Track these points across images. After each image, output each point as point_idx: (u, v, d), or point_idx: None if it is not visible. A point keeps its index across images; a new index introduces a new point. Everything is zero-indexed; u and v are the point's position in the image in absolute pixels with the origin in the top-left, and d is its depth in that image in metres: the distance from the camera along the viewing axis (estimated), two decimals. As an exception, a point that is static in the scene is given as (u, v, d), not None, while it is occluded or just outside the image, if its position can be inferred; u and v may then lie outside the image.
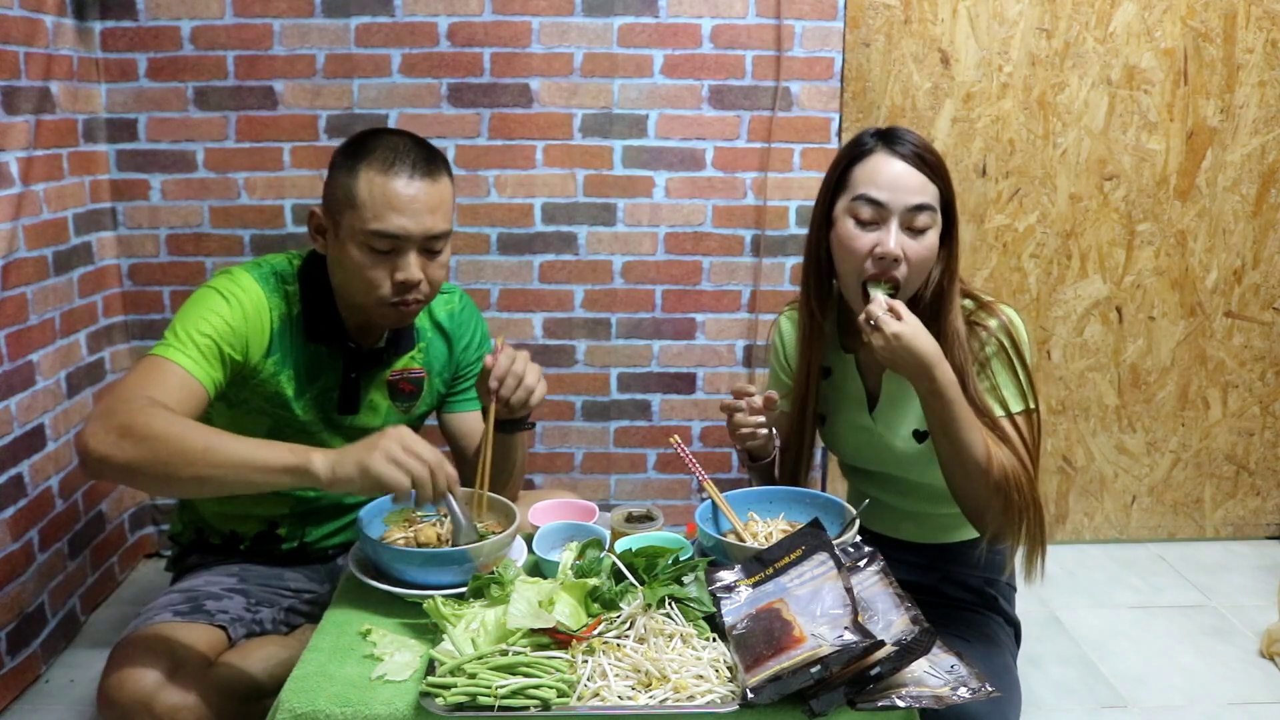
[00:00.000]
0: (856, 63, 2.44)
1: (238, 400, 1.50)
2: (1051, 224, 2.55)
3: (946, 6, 2.41)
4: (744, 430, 1.47)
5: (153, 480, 1.24)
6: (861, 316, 1.35)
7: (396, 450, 1.19)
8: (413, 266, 1.42)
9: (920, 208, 1.38)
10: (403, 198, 1.39)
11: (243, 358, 1.44)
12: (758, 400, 1.47)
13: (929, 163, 1.39)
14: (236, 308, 1.43)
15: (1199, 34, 2.45)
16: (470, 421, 1.70)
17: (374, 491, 1.20)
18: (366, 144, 1.42)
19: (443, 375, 1.68)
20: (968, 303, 1.47)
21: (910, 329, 1.31)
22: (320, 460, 1.19)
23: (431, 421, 1.79)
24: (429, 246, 1.43)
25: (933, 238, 1.40)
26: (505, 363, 1.40)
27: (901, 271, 1.39)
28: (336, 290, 1.50)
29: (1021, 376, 1.43)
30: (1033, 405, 1.45)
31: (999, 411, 1.42)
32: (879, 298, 1.35)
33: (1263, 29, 2.46)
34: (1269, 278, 2.62)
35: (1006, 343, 1.43)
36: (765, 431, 1.49)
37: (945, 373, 1.33)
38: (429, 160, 1.43)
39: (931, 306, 1.44)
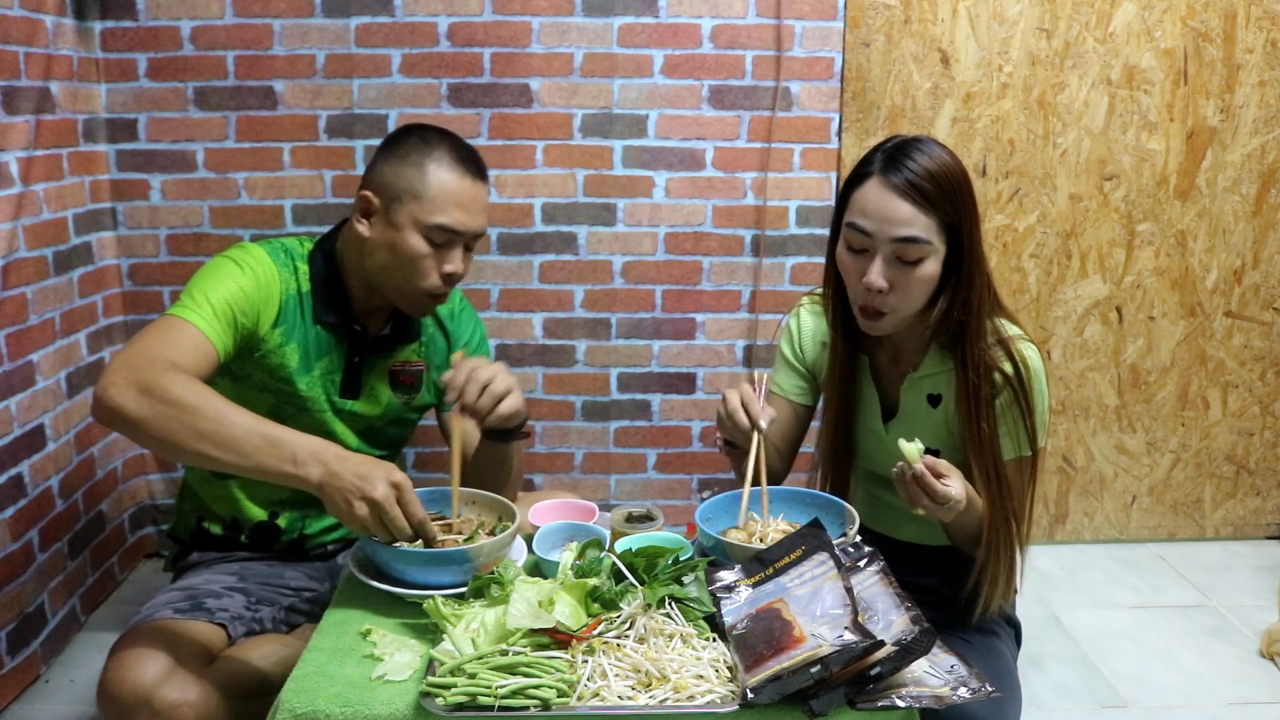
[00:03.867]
0: (856, 63, 2.44)
1: (242, 375, 1.53)
2: (1051, 224, 2.55)
3: (946, 6, 2.41)
4: (728, 425, 1.44)
5: (157, 443, 1.26)
6: (909, 499, 1.31)
7: (370, 522, 1.20)
8: (459, 260, 1.52)
9: (907, 240, 1.35)
10: (467, 196, 1.50)
11: (253, 325, 1.48)
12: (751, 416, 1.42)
13: (926, 192, 1.34)
14: (250, 275, 1.48)
15: (1199, 34, 2.45)
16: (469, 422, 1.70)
17: None
18: (428, 139, 1.52)
19: (441, 370, 1.69)
20: (998, 321, 1.46)
21: (953, 511, 1.30)
22: (315, 482, 1.20)
23: (430, 421, 1.79)
24: (470, 244, 1.54)
25: (928, 268, 1.37)
26: (463, 372, 1.39)
27: (889, 302, 1.39)
28: (369, 272, 1.54)
29: (1025, 424, 1.44)
30: (1033, 450, 1.46)
31: (1005, 455, 1.45)
32: (913, 469, 1.28)
33: (1263, 29, 2.46)
34: (1269, 278, 2.62)
35: (1017, 388, 1.43)
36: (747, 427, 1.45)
37: (968, 497, 1.35)
38: (480, 164, 1.55)
39: (951, 337, 1.44)
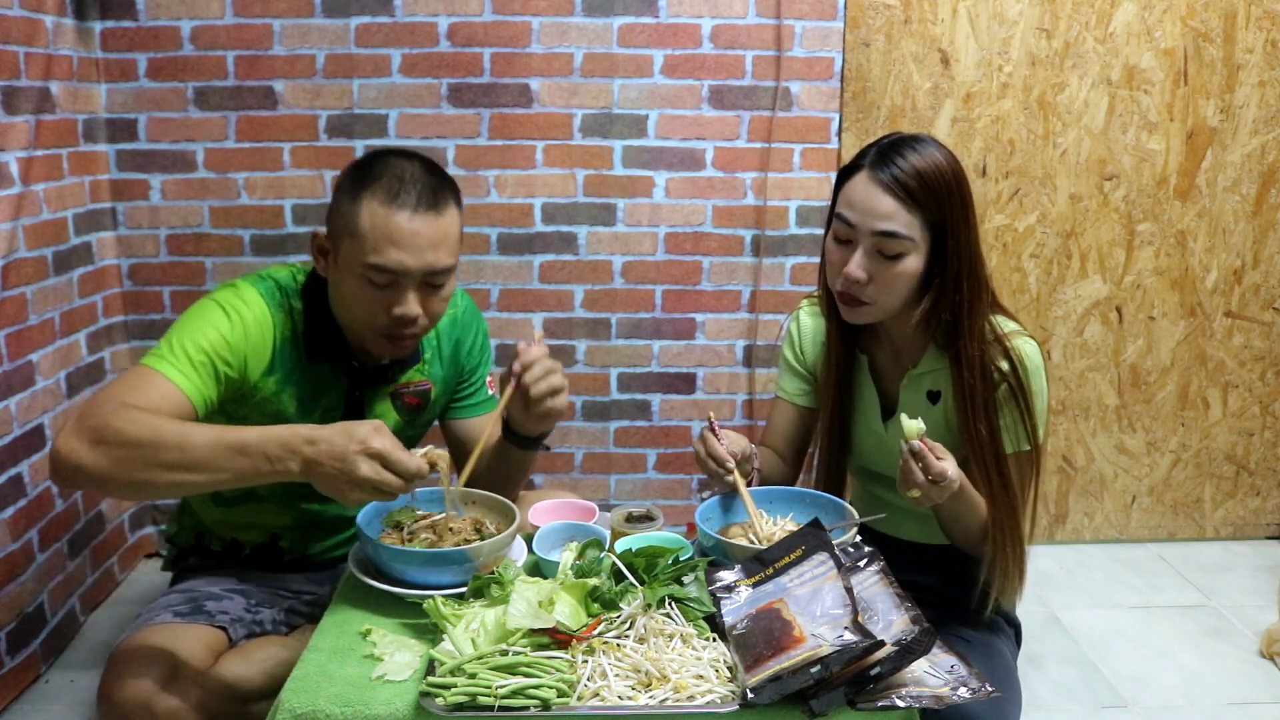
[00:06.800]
0: (856, 63, 2.44)
1: (238, 416, 1.46)
2: (1051, 224, 2.55)
3: (946, 6, 2.41)
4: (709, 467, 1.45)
5: (128, 488, 1.20)
6: (904, 477, 1.31)
7: (366, 493, 1.17)
8: (411, 302, 1.37)
9: (888, 234, 1.37)
10: (404, 232, 1.33)
11: (240, 375, 1.40)
12: (719, 451, 1.42)
13: (910, 190, 1.36)
14: (237, 324, 1.39)
15: (1199, 34, 2.45)
16: (471, 428, 1.67)
17: None
18: (373, 169, 1.37)
19: (448, 382, 1.65)
20: (994, 319, 1.47)
21: (947, 491, 1.31)
22: (298, 474, 1.17)
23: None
24: (430, 281, 1.38)
25: (908, 264, 1.39)
26: (538, 352, 1.36)
27: (868, 293, 1.41)
28: (335, 314, 1.46)
29: (1024, 419, 1.45)
30: (1032, 445, 1.46)
31: (1006, 449, 1.45)
32: (911, 444, 1.30)
33: (1263, 29, 2.46)
34: (1269, 278, 2.62)
35: (1014, 384, 1.44)
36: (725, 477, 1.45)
37: (962, 487, 1.37)
38: (436, 191, 1.37)
39: (945, 336, 1.44)
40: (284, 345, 1.45)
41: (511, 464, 1.51)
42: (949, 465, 1.30)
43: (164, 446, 1.16)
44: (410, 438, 1.64)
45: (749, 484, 1.46)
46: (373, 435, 1.15)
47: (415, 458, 1.18)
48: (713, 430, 1.44)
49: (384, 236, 1.33)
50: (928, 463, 1.29)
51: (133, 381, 1.29)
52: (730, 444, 1.43)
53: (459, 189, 1.44)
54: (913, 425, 1.30)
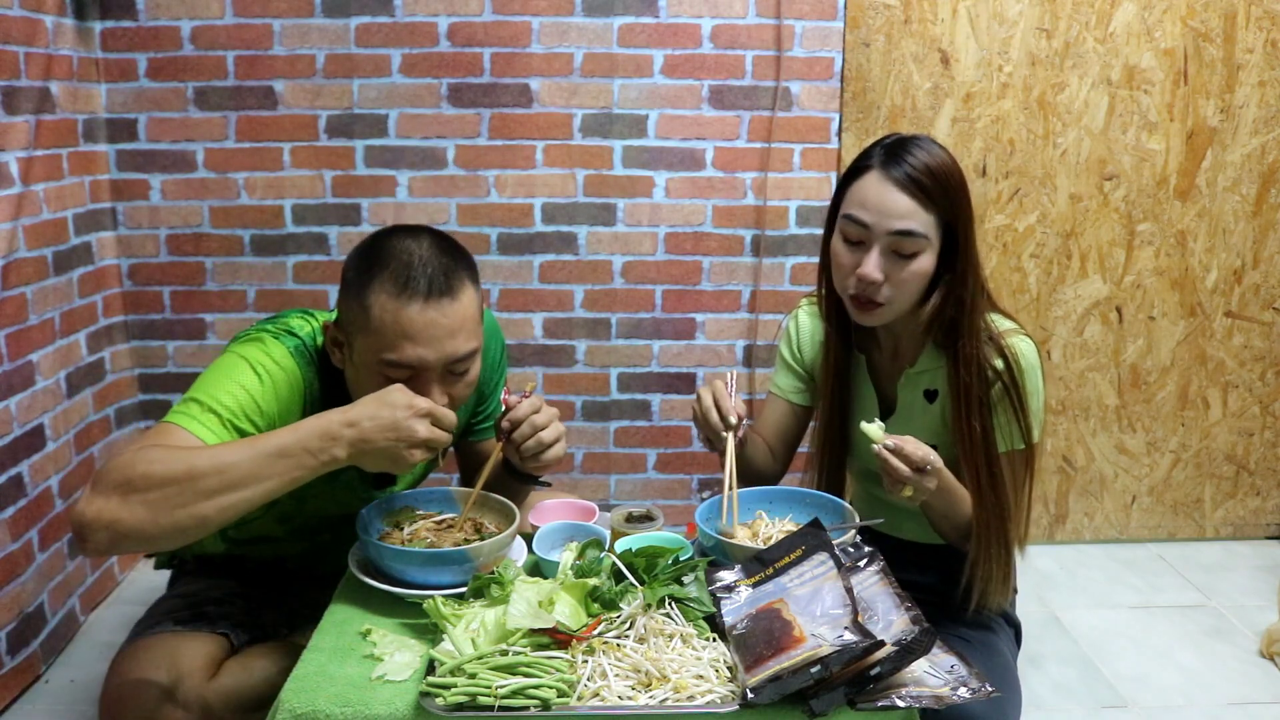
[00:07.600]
0: (856, 63, 2.44)
1: None
2: (1051, 224, 2.55)
3: (946, 6, 2.41)
4: (702, 424, 1.45)
5: (173, 534, 1.13)
6: (891, 477, 1.31)
7: (423, 453, 1.20)
8: (434, 394, 1.29)
9: (904, 234, 1.36)
10: (418, 324, 1.25)
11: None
12: (727, 409, 1.43)
13: (925, 187, 1.36)
14: (268, 385, 1.32)
15: (1199, 34, 2.45)
16: (486, 449, 1.65)
17: None
18: (379, 255, 1.28)
19: (469, 406, 1.62)
20: (990, 317, 1.47)
21: (934, 477, 1.32)
22: (345, 460, 1.17)
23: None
24: (453, 369, 1.31)
25: (923, 263, 1.39)
26: (526, 409, 1.34)
27: (884, 294, 1.40)
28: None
29: (1018, 418, 1.45)
30: (1026, 445, 1.46)
31: (999, 448, 1.45)
32: (884, 444, 1.30)
33: (1263, 29, 2.46)
34: (1269, 278, 2.62)
35: (1009, 383, 1.44)
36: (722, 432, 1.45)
37: (944, 473, 1.37)
38: (448, 274, 1.28)
39: (945, 334, 1.44)
40: (314, 405, 1.38)
41: (509, 491, 1.48)
42: (926, 450, 1.30)
43: (201, 475, 1.12)
44: (429, 465, 1.61)
45: (738, 445, 1.45)
46: (411, 398, 1.18)
47: (452, 414, 1.22)
48: (726, 383, 1.45)
49: (397, 332, 1.25)
50: (906, 453, 1.29)
51: (157, 436, 1.23)
52: (736, 404, 1.44)
53: (473, 261, 1.36)
54: (873, 428, 1.32)
